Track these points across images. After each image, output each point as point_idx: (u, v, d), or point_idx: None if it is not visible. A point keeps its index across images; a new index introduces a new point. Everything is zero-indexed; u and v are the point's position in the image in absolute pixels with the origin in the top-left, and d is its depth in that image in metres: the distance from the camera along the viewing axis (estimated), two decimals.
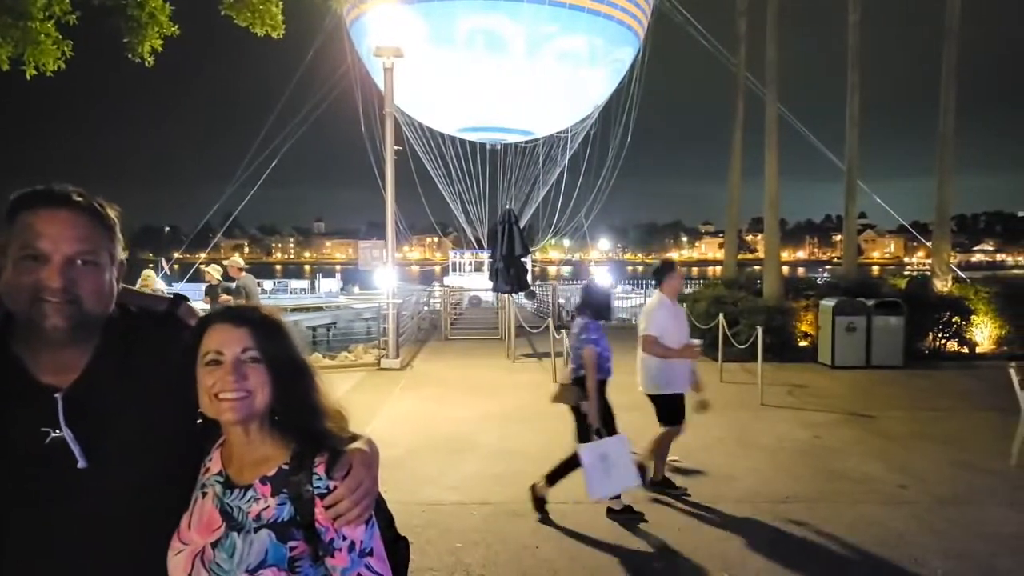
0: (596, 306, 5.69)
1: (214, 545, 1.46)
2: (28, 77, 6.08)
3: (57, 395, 1.47)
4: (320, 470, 1.49)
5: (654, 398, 6.11)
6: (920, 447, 7.41)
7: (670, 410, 6.06)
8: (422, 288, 23.48)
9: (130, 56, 6.68)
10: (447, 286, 22.80)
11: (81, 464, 1.46)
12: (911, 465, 6.74)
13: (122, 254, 1.60)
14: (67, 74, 6.43)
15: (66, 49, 6.26)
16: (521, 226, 14.71)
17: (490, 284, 20.81)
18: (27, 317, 1.46)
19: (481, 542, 4.95)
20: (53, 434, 1.45)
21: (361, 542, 1.50)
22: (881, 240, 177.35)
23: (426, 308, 20.48)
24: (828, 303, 12.93)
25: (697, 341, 6.37)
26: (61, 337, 1.47)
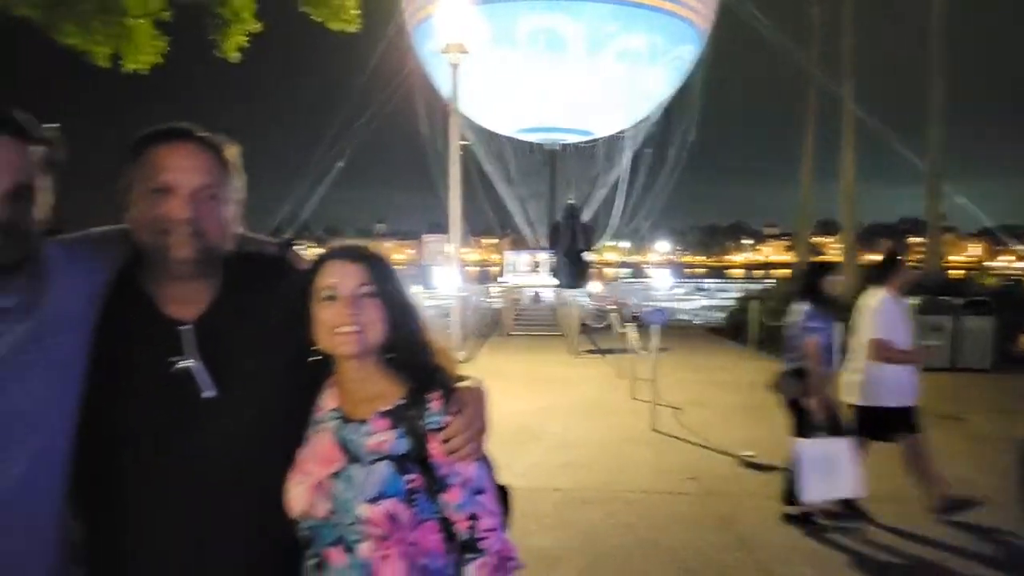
0: (820, 293, 4.99)
1: (333, 476, 1.50)
2: (126, 72, 6.43)
3: (184, 327, 1.53)
4: (434, 406, 1.51)
5: (866, 410, 5.07)
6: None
7: (890, 424, 5.05)
8: (481, 287, 23.65)
9: (217, 53, 6.97)
10: (506, 283, 22.87)
11: (208, 393, 1.51)
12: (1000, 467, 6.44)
13: (241, 192, 1.64)
14: (160, 69, 6.76)
15: (161, 45, 6.58)
16: (584, 221, 14.67)
17: (550, 282, 20.77)
18: (154, 250, 1.51)
19: (554, 527, 4.97)
20: (181, 363, 1.51)
21: (474, 479, 1.52)
22: (962, 243, 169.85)
23: (487, 305, 20.62)
24: (911, 302, 12.42)
25: (936, 342, 5.64)
26: (186, 269, 1.52)
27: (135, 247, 1.55)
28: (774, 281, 22.17)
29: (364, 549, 1.46)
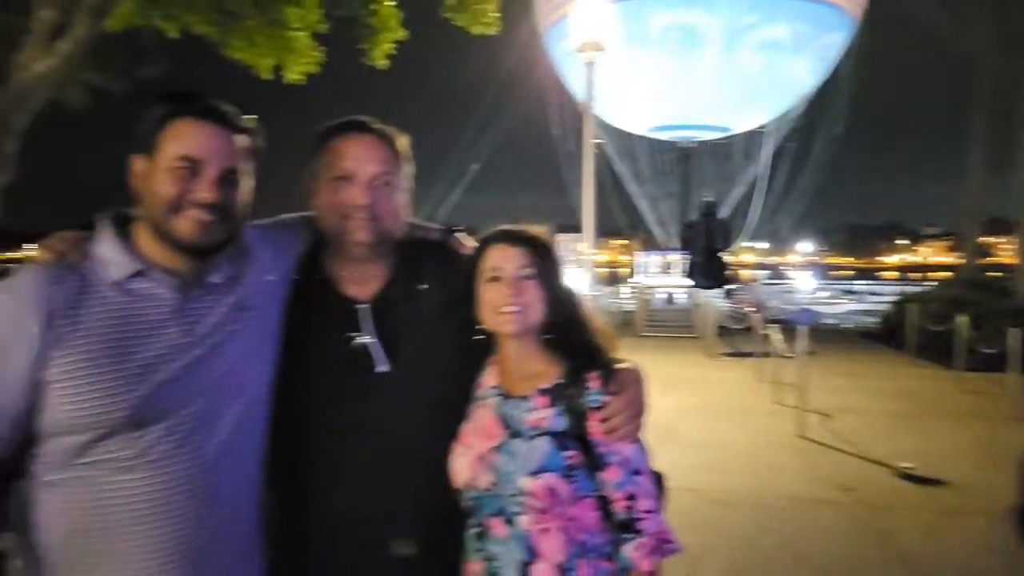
0: None
1: (495, 450, 1.56)
2: (287, 82, 6.98)
3: (361, 305, 1.66)
4: (594, 385, 1.54)
5: None
6: None
7: None
8: (611, 288, 23.47)
9: (365, 60, 7.38)
10: (638, 284, 22.52)
11: (382, 368, 1.62)
12: None
13: (411, 180, 1.74)
14: (314, 79, 7.26)
15: (318, 55, 7.07)
16: (721, 219, 14.16)
17: (683, 282, 20.22)
18: (335, 233, 1.64)
19: (693, 527, 4.84)
20: (359, 339, 1.63)
21: (633, 459, 1.53)
22: None
23: (617, 306, 20.43)
24: None
25: None
26: (363, 251, 1.64)
27: (319, 231, 1.69)
28: (934, 284, 20.38)
29: (524, 521, 1.51)
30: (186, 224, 1.39)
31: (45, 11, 5.20)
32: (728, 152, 31.43)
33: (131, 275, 1.39)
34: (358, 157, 1.62)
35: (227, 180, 1.43)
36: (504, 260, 1.60)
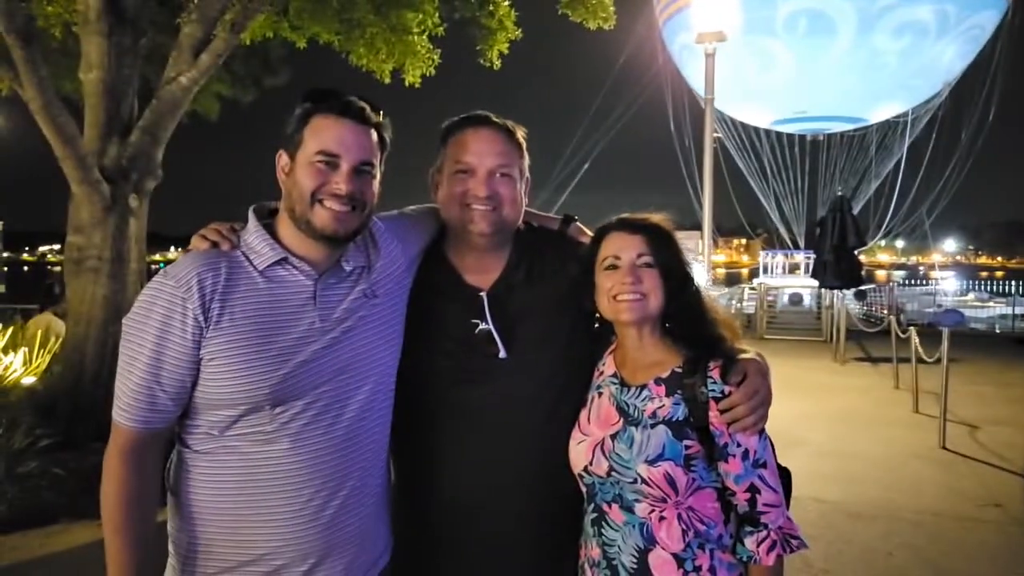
0: None
1: (613, 437, 1.53)
2: (407, 85, 7.22)
3: (482, 293, 1.70)
4: (715, 374, 1.48)
5: None
6: None
7: None
8: (730, 288, 22.65)
9: (481, 61, 7.50)
10: (760, 284, 21.58)
11: (502, 354, 1.66)
12: None
13: (528, 174, 1.78)
14: (428, 81, 7.46)
15: (435, 58, 7.27)
16: (855, 214, 13.29)
17: (810, 283, 19.20)
18: (457, 224, 1.70)
19: (820, 538, 4.55)
20: (480, 326, 1.67)
21: (755, 452, 1.48)
22: None
23: (738, 308, 19.69)
24: None
25: None
26: (484, 242, 1.69)
27: (442, 223, 1.76)
28: None
29: (642, 508, 1.49)
30: (324, 214, 1.47)
31: (190, 27, 5.63)
32: (862, 144, 29.57)
33: (274, 262, 1.48)
34: (479, 151, 1.67)
35: (361, 172, 1.50)
36: (622, 248, 1.58)
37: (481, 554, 1.66)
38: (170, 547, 1.53)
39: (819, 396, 9.47)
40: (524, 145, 1.75)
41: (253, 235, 1.51)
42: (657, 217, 1.64)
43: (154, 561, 1.48)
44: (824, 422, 7.90)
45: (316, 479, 1.46)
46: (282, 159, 1.52)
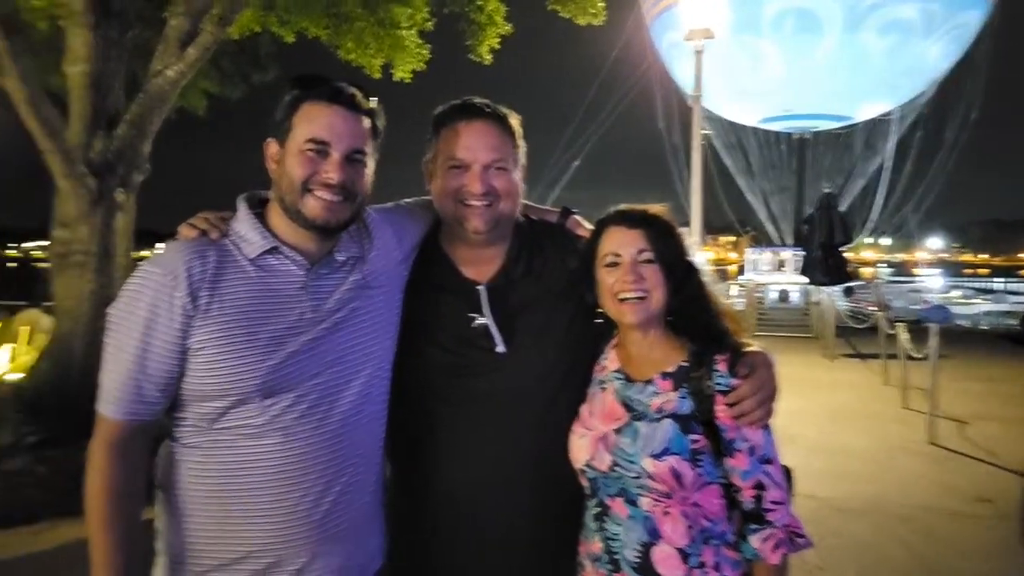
0: None
1: (617, 431, 1.50)
2: (396, 80, 7.17)
3: (479, 287, 1.66)
4: (721, 367, 1.46)
5: None
6: None
7: None
8: (719, 286, 22.66)
9: (471, 56, 7.45)
10: (748, 281, 21.64)
11: (500, 349, 1.62)
12: None
13: (524, 160, 1.73)
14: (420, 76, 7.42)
15: (425, 53, 7.22)
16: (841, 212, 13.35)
17: (798, 280, 19.29)
18: (452, 219, 1.66)
19: (813, 534, 4.55)
20: (478, 320, 1.63)
21: (761, 447, 1.46)
22: None
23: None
24: None
25: None
26: (480, 238, 1.65)
27: (437, 214, 1.72)
28: None
29: (646, 503, 1.46)
30: (314, 204, 1.43)
31: (176, 20, 5.56)
32: (848, 142, 29.72)
33: (265, 251, 1.45)
34: (472, 145, 1.62)
35: (353, 161, 1.46)
36: (622, 244, 1.54)
37: (479, 549, 1.63)
38: (160, 545, 1.48)
39: (809, 393, 9.50)
40: (519, 133, 1.70)
41: (244, 224, 1.47)
42: (656, 208, 1.60)
43: (140, 559, 1.43)
44: (814, 418, 7.93)
45: (308, 475, 1.42)
46: (271, 147, 1.48)
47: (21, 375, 4.95)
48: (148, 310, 1.36)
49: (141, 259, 1.78)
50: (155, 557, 1.50)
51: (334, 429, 1.46)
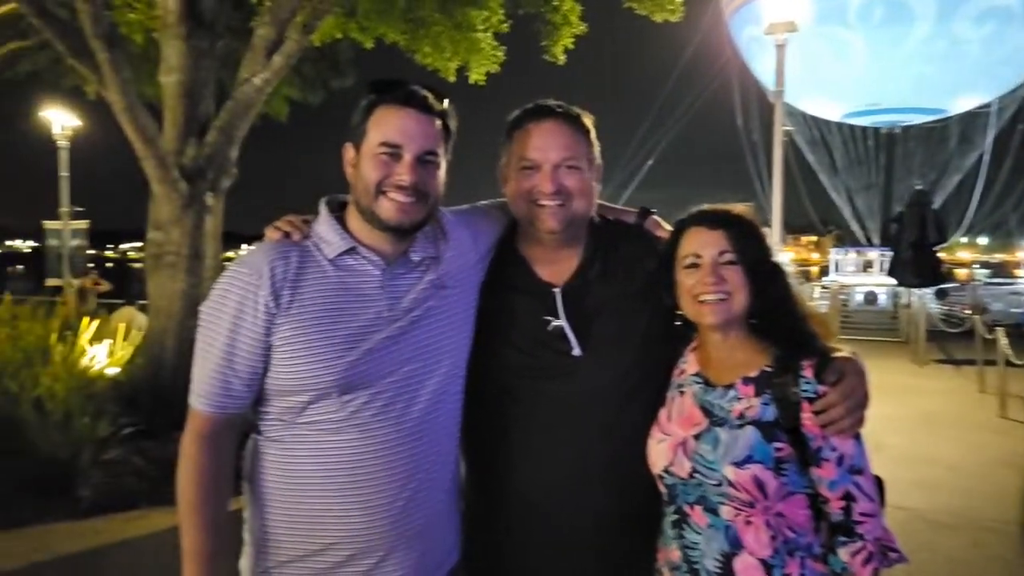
0: None
1: (696, 437, 1.46)
2: (472, 82, 7.24)
3: (555, 289, 1.65)
4: (808, 373, 1.40)
5: None
6: None
7: None
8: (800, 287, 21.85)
9: (546, 57, 7.44)
10: (832, 283, 20.80)
11: (576, 352, 1.61)
12: None
13: (598, 158, 1.71)
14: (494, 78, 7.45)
15: (499, 54, 7.26)
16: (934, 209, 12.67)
17: (886, 281, 18.40)
18: (526, 220, 1.66)
19: (905, 549, 4.34)
20: (553, 323, 1.62)
21: (851, 457, 1.39)
22: None
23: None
24: None
25: None
26: (554, 238, 1.65)
27: (512, 217, 1.72)
28: None
29: (727, 512, 1.42)
30: (388, 206, 1.46)
31: (263, 29, 5.75)
32: (942, 136, 28.16)
33: (343, 252, 1.49)
34: (542, 145, 1.62)
35: (425, 162, 1.48)
36: (703, 245, 1.50)
37: (553, 550, 1.62)
38: (246, 535, 1.54)
39: (898, 399, 9.05)
40: (592, 132, 1.68)
41: (324, 225, 1.52)
42: (739, 208, 1.55)
43: (227, 547, 1.49)
44: (906, 427, 7.55)
45: (385, 470, 1.45)
46: (348, 152, 1.52)
47: (118, 369, 5.23)
48: (235, 309, 1.42)
49: (228, 260, 1.85)
50: (243, 547, 1.56)
51: (411, 426, 1.48)
